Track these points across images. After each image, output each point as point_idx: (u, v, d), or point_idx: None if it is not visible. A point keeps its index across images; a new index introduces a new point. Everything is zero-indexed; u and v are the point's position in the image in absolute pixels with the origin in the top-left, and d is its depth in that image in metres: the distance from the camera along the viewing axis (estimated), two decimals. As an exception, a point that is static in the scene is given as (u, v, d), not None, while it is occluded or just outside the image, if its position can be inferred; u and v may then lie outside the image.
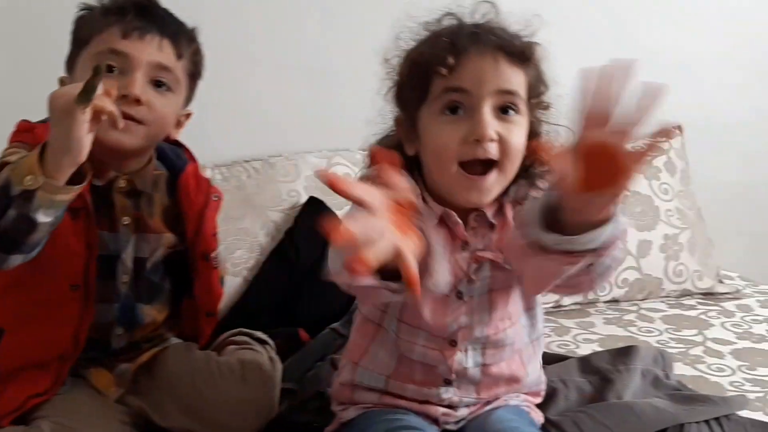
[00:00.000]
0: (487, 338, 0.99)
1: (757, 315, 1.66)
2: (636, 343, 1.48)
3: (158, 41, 1.06)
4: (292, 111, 1.74)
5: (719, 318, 1.64)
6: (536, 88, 0.96)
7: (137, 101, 1.03)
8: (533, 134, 0.97)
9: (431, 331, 0.99)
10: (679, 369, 1.37)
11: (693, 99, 2.04)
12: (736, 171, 2.13)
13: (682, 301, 1.75)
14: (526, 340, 1.03)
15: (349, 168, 1.69)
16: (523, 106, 0.94)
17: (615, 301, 1.73)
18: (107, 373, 1.14)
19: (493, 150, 0.91)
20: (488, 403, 1.03)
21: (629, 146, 0.68)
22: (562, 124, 0.98)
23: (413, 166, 0.97)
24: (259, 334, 1.30)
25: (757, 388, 1.30)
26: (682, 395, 1.20)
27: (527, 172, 0.98)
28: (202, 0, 1.62)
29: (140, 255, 1.14)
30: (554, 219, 0.77)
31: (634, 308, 1.71)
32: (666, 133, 0.70)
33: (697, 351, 1.47)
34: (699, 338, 1.53)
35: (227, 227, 1.52)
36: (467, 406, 1.02)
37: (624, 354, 1.28)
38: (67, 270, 1.05)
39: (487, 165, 0.92)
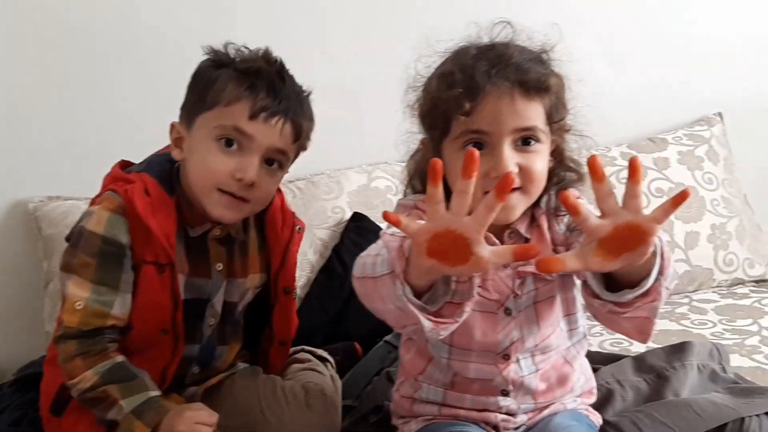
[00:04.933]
0: (535, 347, 1.02)
1: (813, 299, 1.64)
2: (690, 336, 1.47)
3: (281, 126, 1.06)
4: (330, 129, 1.77)
5: (773, 305, 1.63)
6: (556, 114, 0.96)
7: (251, 185, 1.06)
8: (558, 152, 0.99)
9: (483, 349, 1.01)
10: (736, 361, 1.36)
11: (731, 85, 2.01)
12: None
13: (735, 290, 1.74)
14: (567, 343, 1.05)
15: (390, 180, 1.72)
16: (543, 135, 0.95)
17: (665, 294, 1.72)
18: (178, 396, 1.17)
19: (515, 181, 0.92)
20: (546, 407, 1.05)
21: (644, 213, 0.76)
22: (586, 134, 1.00)
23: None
24: (321, 352, 1.34)
25: (818, 376, 1.29)
26: (741, 388, 1.20)
27: (555, 178, 1.00)
28: (234, 18, 1.67)
29: (229, 299, 1.18)
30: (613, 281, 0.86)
31: (686, 300, 1.70)
32: (682, 197, 0.76)
33: (753, 341, 1.45)
34: (754, 327, 1.52)
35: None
36: (525, 412, 1.04)
37: (678, 350, 1.28)
38: (156, 318, 1.10)
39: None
